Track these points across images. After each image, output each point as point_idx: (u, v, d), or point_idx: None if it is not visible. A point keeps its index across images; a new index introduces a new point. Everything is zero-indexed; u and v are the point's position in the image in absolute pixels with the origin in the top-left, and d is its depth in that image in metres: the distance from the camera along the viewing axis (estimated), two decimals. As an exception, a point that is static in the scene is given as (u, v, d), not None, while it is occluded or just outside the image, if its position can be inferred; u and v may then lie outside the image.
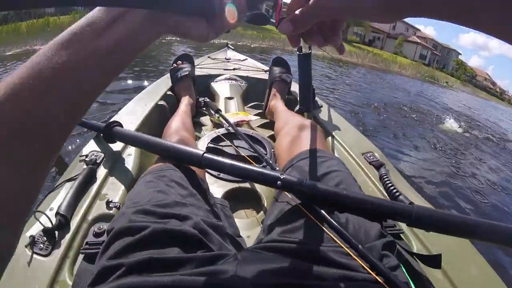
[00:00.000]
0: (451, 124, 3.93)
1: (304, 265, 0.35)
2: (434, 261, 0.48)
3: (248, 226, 0.65)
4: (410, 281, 0.37)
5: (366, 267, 0.35)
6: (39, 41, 4.28)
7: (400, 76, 7.45)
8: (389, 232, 0.54)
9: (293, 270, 0.35)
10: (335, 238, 0.38)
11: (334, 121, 1.03)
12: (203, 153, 0.51)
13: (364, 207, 0.40)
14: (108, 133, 0.68)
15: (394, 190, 0.64)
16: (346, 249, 0.36)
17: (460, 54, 33.38)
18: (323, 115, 1.08)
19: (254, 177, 0.47)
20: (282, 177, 0.43)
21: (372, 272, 0.34)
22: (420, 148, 2.62)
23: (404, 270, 0.39)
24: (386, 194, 0.66)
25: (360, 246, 0.36)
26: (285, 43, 9.08)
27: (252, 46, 7.41)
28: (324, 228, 0.40)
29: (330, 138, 0.93)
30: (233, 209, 0.72)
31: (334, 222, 0.39)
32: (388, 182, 0.67)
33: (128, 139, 0.67)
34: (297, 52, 1.09)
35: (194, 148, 0.58)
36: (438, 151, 2.69)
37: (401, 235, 0.57)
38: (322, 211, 0.41)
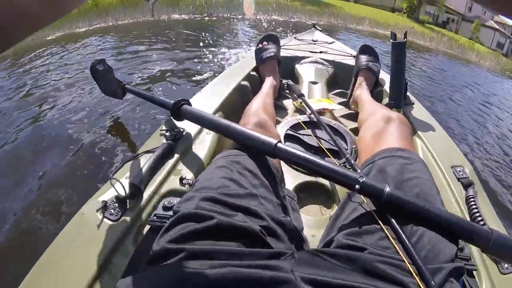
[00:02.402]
0: None
1: (359, 277, 0.34)
2: None
3: (315, 224, 0.63)
4: None
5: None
6: (86, 22, 4.12)
7: (477, 68, 6.43)
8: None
9: (347, 280, 0.34)
10: (401, 253, 0.36)
11: (425, 122, 0.94)
12: (276, 143, 0.49)
13: (440, 222, 0.39)
14: (176, 111, 0.68)
15: (479, 218, 0.57)
16: (409, 266, 0.35)
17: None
18: (415, 113, 0.99)
19: (330, 176, 0.45)
20: (361, 180, 0.41)
21: None
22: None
23: None
24: (468, 218, 0.60)
25: (424, 266, 0.34)
26: (346, 21, 8.37)
27: (307, 22, 6.96)
28: (392, 240, 0.38)
29: (418, 140, 0.86)
30: (303, 202, 0.71)
31: (404, 238, 0.37)
32: (474, 206, 0.60)
33: (196, 119, 0.65)
34: (391, 40, 1.02)
35: (271, 133, 0.56)
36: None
37: (474, 272, 0.51)
38: (396, 224, 0.39)
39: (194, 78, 2.21)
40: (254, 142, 0.53)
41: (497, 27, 23.91)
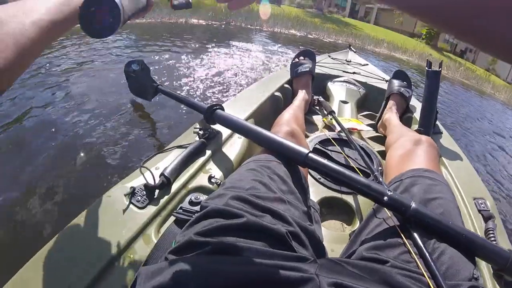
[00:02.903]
0: None
1: (379, 287, 0.35)
2: None
3: (334, 239, 0.64)
4: None
5: None
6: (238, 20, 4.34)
7: (492, 99, 6.34)
8: None
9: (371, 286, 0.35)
10: (421, 267, 0.37)
11: (452, 151, 0.96)
12: (308, 153, 0.50)
13: (461, 239, 0.39)
14: (209, 115, 0.69)
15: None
16: (428, 280, 0.35)
17: None
18: (443, 143, 1.01)
19: (359, 187, 0.46)
20: (389, 194, 0.42)
21: None
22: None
23: None
24: None
25: (443, 282, 0.34)
26: (364, 42, 8.39)
27: (324, 40, 6.99)
28: (414, 255, 0.38)
29: (443, 168, 0.87)
30: (325, 217, 0.72)
31: (426, 253, 0.38)
32: (493, 239, 0.60)
33: (229, 124, 0.67)
34: (426, 68, 1.04)
35: (301, 144, 0.57)
36: None
37: None
38: (418, 239, 0.40)
39: (218, 84, 2.25)
40: (285, 150, 0.53)
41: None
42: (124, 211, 0.50)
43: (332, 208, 0.74)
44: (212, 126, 0.76)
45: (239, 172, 0.50)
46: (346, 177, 0.47)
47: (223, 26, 5.94)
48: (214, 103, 0.73)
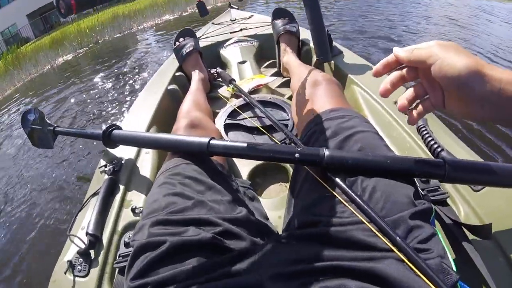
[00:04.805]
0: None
1: (325, 249, 0.34)
2: (482, 230, 0.41)
3: (278, 204, 0.63)
4: (448, 252, 0.32)
5: (389, 244, 0.31)
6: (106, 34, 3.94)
7: None
8: (432, 198, 0.49)
9: (314, 256, 0.33)
10: (355, 213, 0.34)
11: (359, 68, 0.93)
12: (209, 141, 0.48)
13: (387, 167, 0.37)
14: (107, 139, 0.66)
15: (436, 145, 0.53)
16: (367, 224, 0.33)
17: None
18: (347, 62, 0.98)
19: (268, 157, 0.45)
20: (298, 150, 0.41)
21: (395, 249, 0.30)
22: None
23: (442, 240, 0.34)
24: (427, 151, 0.57)
25: (379, 219, 0.32)
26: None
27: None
28: (344, 202, 0.36)
29: (356, 88, 0.85)
30: (263, 186, 0.71)
31: (352, 194, 0.36)
32: (427, 135, 0.57)
33: (128, 141, 0.64)
34: None
35: (207, 130, 0.55)
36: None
37: (447, 200, 0.50)
38: (343, 185, 0.37)
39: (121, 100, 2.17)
40: (186, 146, 0.51)
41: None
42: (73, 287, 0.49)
43: (265, 175, 0.72)
44: (117, 155, 0.72)
45: (153, 192, 0.48)
46: (251, 150, 0.45)
47: (89, 49, 5.42)
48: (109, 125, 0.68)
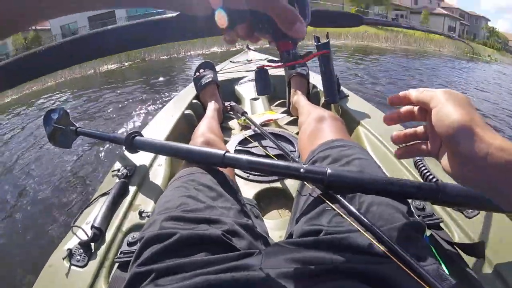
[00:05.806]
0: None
1: (326, 254, 0.36)
2: (475, 249, 0.44)
3: (277, 226, 0.65)
4: (442, 263, 0.35)
5: (384, 251, 0.33)
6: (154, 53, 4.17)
7: (438, 57, 6.56)
8: (427, 222, 0.52)
9: (315, 258, 0.35)
10: (353, 223, 0.38)
11: (363, 109, 1.00)
12: (224, 153, 0.51)
13: (383, 187, 0.40)
14: (129, 143, 0.69)
15: (431, 176, 0.58)
16: (363, 232, 0.36)
17: (489, 20, 30.29)
18: (352, 104, 1.05)
19: (276, 171, 0.48)
20: (304, 166, 0.44)
21: (390, 255, 0.32)
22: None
23: (436, 254, 0.36)
24: (421, 180, 0.62)
25: (376, 228, 0.35)
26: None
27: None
28: (342, 214, 0.39)
29: (360, 127, 0.91)
30: (266, 209, 0.73)
31: (352, 208, 0.39)
32: (423, 168, 0.61)
33: (149, 147, 0.68)
34: (314, 43, 1.07)
35: (220, 149, 0.58)
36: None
37: (441, 224, 0.53)
38: (342, 199, 0.41)
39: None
40: (203, 156, 0.54)
41: (446, 12, 25.70)
42: (68, 274, 0.49)
43: (270, 199, 0.76)
44: (132, 161, 0.76)
45: (166, 194, 0.50)
46: (262, 164, 0.49)
47: (135, 63, 5.84)
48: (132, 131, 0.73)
